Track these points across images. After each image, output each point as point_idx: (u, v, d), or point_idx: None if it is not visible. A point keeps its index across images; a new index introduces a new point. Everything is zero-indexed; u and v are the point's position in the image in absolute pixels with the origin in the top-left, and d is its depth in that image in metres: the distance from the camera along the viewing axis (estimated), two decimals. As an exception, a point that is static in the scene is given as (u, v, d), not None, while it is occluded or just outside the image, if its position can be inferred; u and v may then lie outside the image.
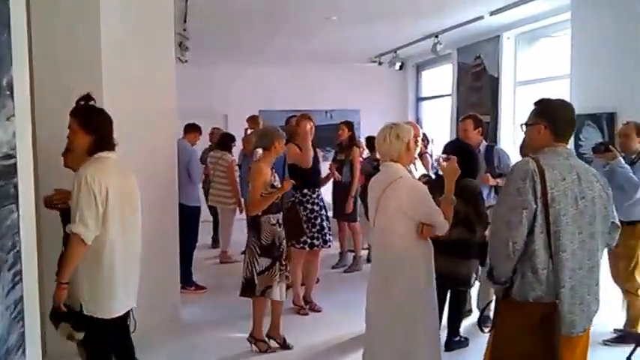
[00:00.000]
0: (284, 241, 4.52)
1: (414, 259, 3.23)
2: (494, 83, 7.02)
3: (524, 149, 3.31)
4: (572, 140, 6.38)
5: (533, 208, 2.35)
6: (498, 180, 4.88)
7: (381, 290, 3.32)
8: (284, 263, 4.48)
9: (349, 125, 6.90)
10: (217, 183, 7.34)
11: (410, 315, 3.19)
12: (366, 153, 7.21)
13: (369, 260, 7.27)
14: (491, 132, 6.64)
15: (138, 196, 3.20)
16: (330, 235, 5.60)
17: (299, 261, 5.39)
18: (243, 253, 7.82)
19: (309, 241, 5.27)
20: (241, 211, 7.41)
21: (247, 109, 9.54)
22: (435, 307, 3.32)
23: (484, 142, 5.09)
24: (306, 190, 5.32)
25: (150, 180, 4.37)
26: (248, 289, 4.43)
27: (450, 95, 9.41)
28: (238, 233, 7.74)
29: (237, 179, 7.33)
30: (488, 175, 4.81)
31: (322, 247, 5.45)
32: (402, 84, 11.27)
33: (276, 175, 4.51)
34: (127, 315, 3.17)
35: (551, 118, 2.52)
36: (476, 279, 4.40)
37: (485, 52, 7.35)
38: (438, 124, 9.98)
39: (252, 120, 8.31)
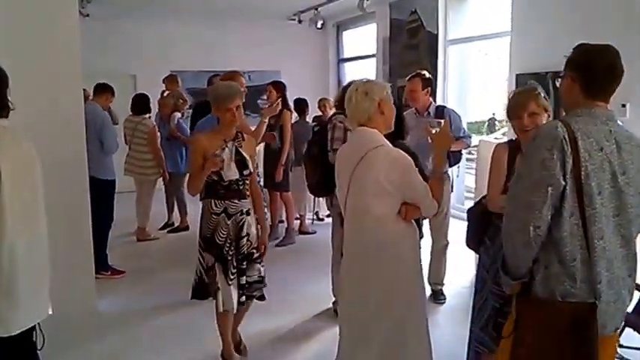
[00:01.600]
0: (240, 241, 3.41)
1: (396, 248, 2.64)
2: (433, 40, 6.62)
3: (515, 109, 2.86)
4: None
5: (561, 185, 1.88)
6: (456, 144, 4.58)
7: (355, 288, 2.75)
8: (235, 270, 3.40)
9: (278, 86, 6.26)
10: (135, 151, 6.52)
11: (394, 316, 2.66)
12: (294, 117, 6.67)
13: (301, 232, 6.85)
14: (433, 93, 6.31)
15: (39, 172, 2.50)
16: (265, 206, 5.08)
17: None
18: (162, 229, 7.24)
19: None
20: (165, 182, 6.69)
21: (158, 69, 8.72)
22: (424, 304, 2.82)
23: (433, 103, 4.72)
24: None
25: (53, 151, 3.74)
26: (198, 289, 3.50)
27: (374, 56, 9.04)
28: (157, 206, 7.03)
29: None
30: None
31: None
32: (323, 44, 10.75)
33: (229, 148, 3.34)
34: (32, 328, 2.46)
35: (582, 68, 2.00)
36: None
37: (422, 7, 6.92)
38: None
39: (170, 80, 7.52)
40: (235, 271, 3.41)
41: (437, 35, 6.50)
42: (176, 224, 7.15)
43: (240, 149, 3.39)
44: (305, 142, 6.56)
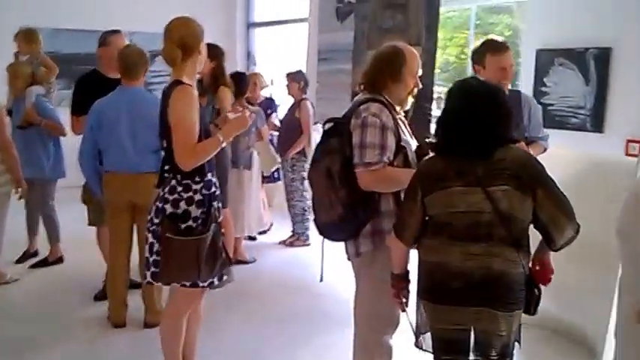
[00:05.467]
0: None
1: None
2: None
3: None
4: (530, 83, 4.87)
5: None
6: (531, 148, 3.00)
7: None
8: None
9: (212, 52, 4.09)
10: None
11: None
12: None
13: (236, 261, 4.80)
14: (428, 75, 4.53)
15: None
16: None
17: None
18: (19, 261, 4.66)
19: None
20: (22, 194, 4.24)
21: (7, 23, 6.02)
22: None
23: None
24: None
25: None
26: None
27: (305, 20, 7.16)
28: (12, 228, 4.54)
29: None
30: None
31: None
32: (229, 3, 8.56)
33: None
34: None
35: None
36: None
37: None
38: (281, 61, 7.70)
39: (26, 37, 4.98)
40: None
41: (438, -11, 4.73)
42: (45, 254, 4.76)
43: None
44: (248, 135, 4.61)
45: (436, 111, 4.40)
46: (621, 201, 2.71)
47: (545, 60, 4.51)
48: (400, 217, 2.25)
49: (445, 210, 2.07)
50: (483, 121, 2.06)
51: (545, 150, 3.21)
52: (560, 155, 3.33)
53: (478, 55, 3.04)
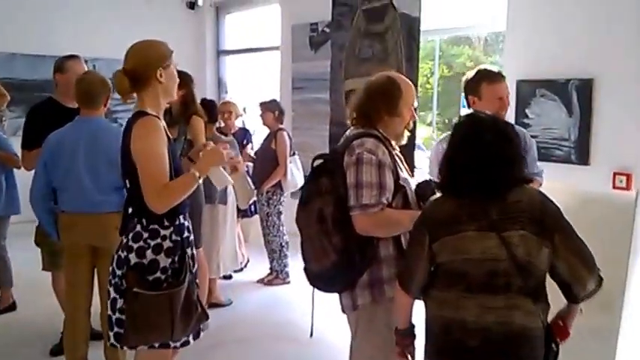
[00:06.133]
0: None
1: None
2: (412, 25, 4.54)
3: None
4: (512, 114, 4.73)
5: None
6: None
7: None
8: None
9: (182, 79, 3.82)
10: None
11: None
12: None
13: (211, 304, 4.43)
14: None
15: None
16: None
17: None
18: None
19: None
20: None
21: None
22: None
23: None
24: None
25: None
26: None
27: (277, 48, 6.98)
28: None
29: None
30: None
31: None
32: (198, 29, 8.34)
33: None
34: None
35: None
36: None
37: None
38: (253, 89, 7.51)
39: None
40: None
41: (418, 19, 4.53)
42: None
43: None
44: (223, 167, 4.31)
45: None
46: (614, 235, 2.54)
47: (526, 91, 4.40)
48: (406, 266, 2.02)
49: (458, 257, 1.84)
50: (490, 150, 1.86)
51: (540, 185, 3.04)
52: (547, 188, 3.20)
53: (473, 86, 2.87)
